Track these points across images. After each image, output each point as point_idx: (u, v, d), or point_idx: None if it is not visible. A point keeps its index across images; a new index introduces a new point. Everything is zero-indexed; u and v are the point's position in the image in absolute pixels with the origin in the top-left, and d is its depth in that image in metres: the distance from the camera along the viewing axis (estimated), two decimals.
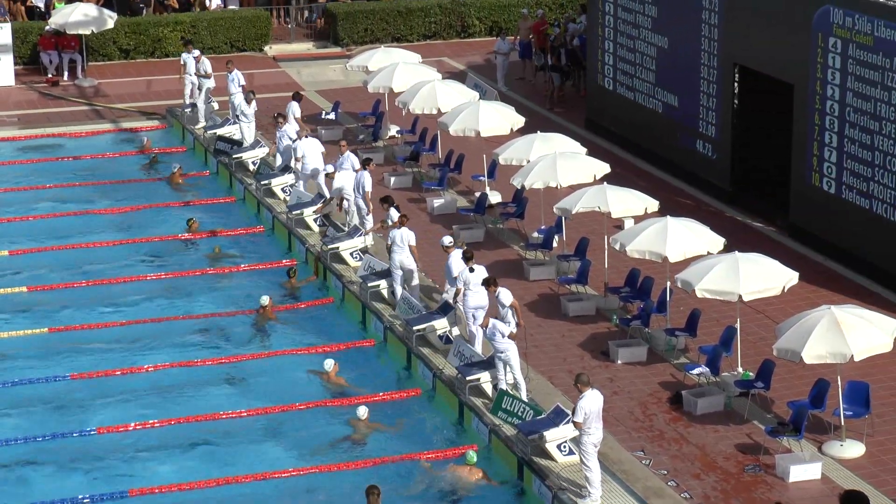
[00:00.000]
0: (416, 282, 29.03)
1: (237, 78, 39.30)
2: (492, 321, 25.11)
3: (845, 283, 30.06)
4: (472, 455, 23.63)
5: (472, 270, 26.91)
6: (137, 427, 25.26)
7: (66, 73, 46.33)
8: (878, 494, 22.41)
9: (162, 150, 40.31)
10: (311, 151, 34.56)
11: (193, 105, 41.13)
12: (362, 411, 25.57)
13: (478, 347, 26.37)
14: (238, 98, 38.76)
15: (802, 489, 22.60)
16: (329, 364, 27.20)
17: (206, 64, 41.16)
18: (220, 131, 39.31)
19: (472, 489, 23.41)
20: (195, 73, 41.04)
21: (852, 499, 11.23)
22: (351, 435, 25.21)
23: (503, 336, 24.90)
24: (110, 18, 45.47)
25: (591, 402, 22.09)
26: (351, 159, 33.11)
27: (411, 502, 23.07)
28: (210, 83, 41.05)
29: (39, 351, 28.35)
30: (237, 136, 38.62)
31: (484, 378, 25.25)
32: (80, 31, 45.18)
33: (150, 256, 33.16)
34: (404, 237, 28.94)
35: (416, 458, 23.94)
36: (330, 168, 33.32)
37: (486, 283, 26.08)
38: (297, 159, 34.83)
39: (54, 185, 37.71)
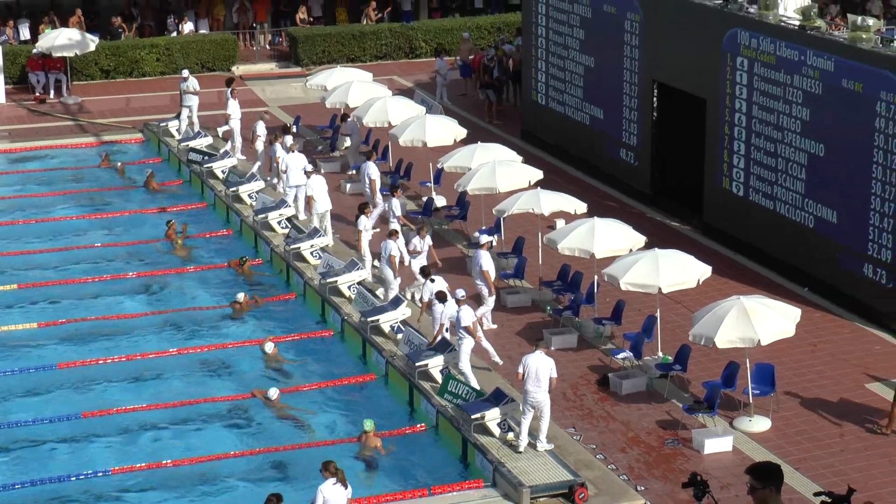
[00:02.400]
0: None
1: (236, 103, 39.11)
2: (462, 307, 24.99)
3: (753, 275, 30.22)
4: (369, 423, 23.57)
5: (433, 281, 26.81)
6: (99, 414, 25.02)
7: (52, 92, 45.98)
8: (783, 464, 22.49)
9: (140, 162, 40.08)
10: (295, 163, 34.28)
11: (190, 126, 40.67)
12: (269, 346, 26.35)
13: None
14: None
15: (716, 460, 22.70)
16: (269, 346, 27.16)
17: (194, 82, 40.95)
18: (192, 143, 39.15)
19: (374, 453, 23.32)
20: (183, 91, 40.81)
21: (762, 469, 11.25)
22: (265, 369, 25.91)
23: (461, 327, 24.87)
24: (92, 42, 45.30)
25: (533, 361, 22.31)
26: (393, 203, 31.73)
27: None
28: (196, 101, 40.81)
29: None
30: (207, 148, 38.61)
31: (431, 364, 25.22)
32: (65, 54, 44.97)
33: (130, 256, 32.93)
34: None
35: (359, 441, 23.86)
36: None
37: (438, 297, 25.90)
38: (283, 171, 34.58)
39: (43, 194, 37.42)
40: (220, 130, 40.13)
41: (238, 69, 48.92)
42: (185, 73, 41.35)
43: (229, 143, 39.34)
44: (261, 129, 37.81)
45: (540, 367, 22.51)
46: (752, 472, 11.23)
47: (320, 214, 32.59)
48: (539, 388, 22.50)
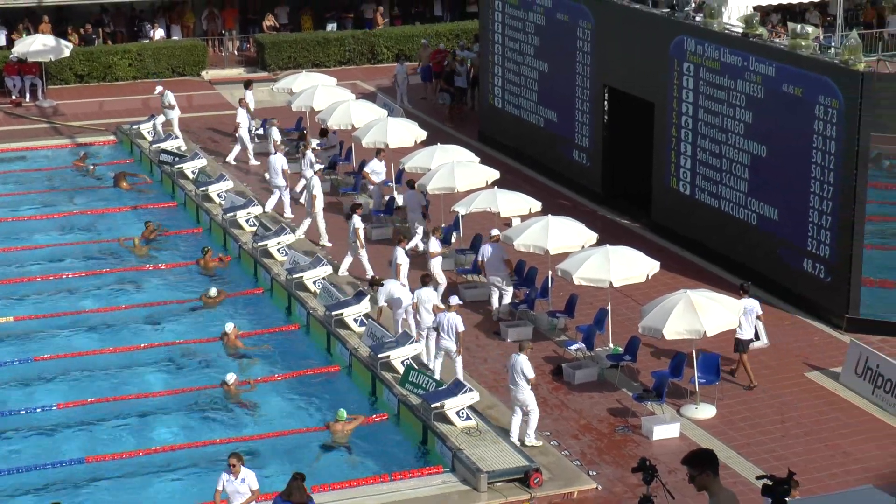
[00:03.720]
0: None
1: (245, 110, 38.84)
2: (425, 290, 24.91)
3: (699, 270, 30.33)
4: (342, 412, 23.58)
5: (381, 285, 26.77)
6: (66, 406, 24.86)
7: (28, 95, 45.67)
8: (727, 449, 22.64)
9: (112, 163, 39.86)
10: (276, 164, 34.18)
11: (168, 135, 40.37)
12: (229, 326, 26.42)
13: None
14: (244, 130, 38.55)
15: (664, 446, 22.77)
16: (229, 327, 27.12)
17: (169, 96, 40.72)
18: (163, 145, 38.99)
19: (346, 440, 23.35)
20: (162, 106, 40.58)
21: (695, 456, 11.31)
22: (224, 353, 26.00)
23: (454, 333, 24.79)
24: (66, 48, 45.03)
25: (513, 361, 22.63)
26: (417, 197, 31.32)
27: (310, 468, 22.78)
28: (176, 113, 40.56)
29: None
30: (175, 149, 38.47)
31: (393, 355, 25.19)
32: (40, 59, 44.73)
33: (103, 252, 32.77)
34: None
35: (325, 429, 23.80)
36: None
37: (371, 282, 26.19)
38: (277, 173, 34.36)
39: (20, 193, 37.15)
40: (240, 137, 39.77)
41: (207, 74, 48.74)
42: (159, 89, 41.13)
43: (235, 151, 39.02)
44: (276, 134, 37.59)
45: (514, 366, 22.61)
46: (688, 462, 11.31)
47: (314, 213, 32.45)
48: (516, 387, 22.61)
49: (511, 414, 22.96)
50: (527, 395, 22.65)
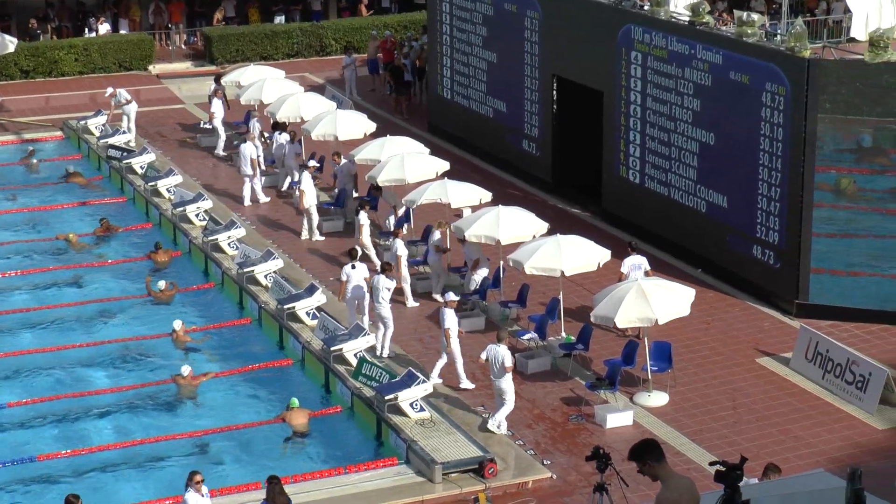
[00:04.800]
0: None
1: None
2: (448, 310, 24.50)
3: (649, 258, 30.30)
4: (294, 401, 23.54)
5: (353, 267, 26.73)
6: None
7: None
8: (680, 435, 22.76)
9: (60, 159, 39.56)
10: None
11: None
12: (177, 324, 26.50)
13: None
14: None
15: (617, 434, 22.83)
16: (177, 324, 27.03)
17: (123, 93, 40.37)
18: (111, 140, 38.73)
19: (304, 428, 23.37)
20: (116, 105, 40.25)
21: (636, 450, 11.36)
22: (177, 351, 25.94)
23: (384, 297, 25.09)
24: (11, 43, 44.39)
25: (492, 351, 22.66)
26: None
27: (266, 457, 22.85)
28: (133, 107, 40.24)
29: None
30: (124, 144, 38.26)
31: (346, 348, 25.13)
32: None
33: (49, 250, 32.53)
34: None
35: (280, 421, 23.72)
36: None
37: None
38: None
39: None
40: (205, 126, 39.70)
41: (154, 68, 48.42)
42: (110, 90, 40.79)
43: (220, 142, 38.87)
44: (256, 126, 37.45)
45: (496, 357, 22.69)
46: (631, 457, 11.38)
47: (307, 208, 32.37)
48: (498, 377, 22.71)
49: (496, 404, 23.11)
50: (506, 384, 22.78)
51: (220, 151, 38.92)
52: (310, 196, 32.04)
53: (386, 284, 25.62)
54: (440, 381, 24.51)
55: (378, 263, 28.52)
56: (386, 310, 25.60)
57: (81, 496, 19.68)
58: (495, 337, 23.27)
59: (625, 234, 31.53)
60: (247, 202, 34.73)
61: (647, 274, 26.41)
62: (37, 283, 30.47)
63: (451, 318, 24.33)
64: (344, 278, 26.63)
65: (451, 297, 24.64)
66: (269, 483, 19.85)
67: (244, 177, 34.83)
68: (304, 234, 32.30)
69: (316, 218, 32.28)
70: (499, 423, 22.90)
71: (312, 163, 33.32)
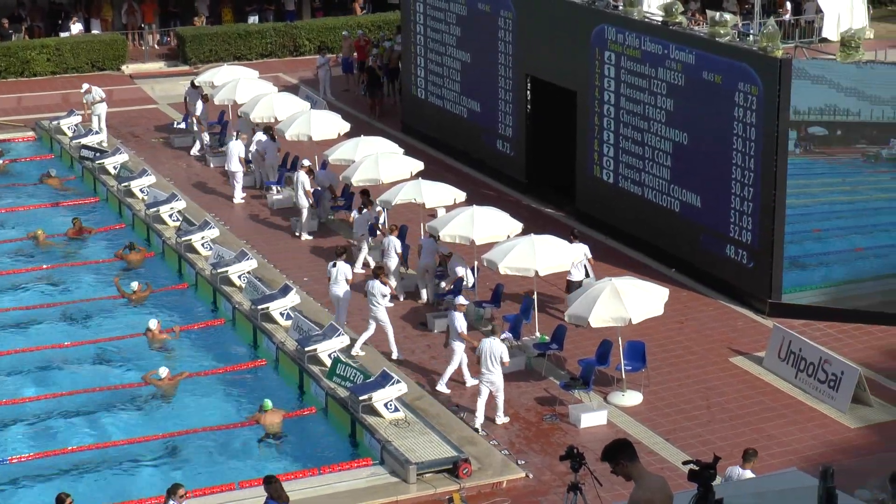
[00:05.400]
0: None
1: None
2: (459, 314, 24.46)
3: (623, 258, 30.49)
4: (268, 402, 23.53)
5: (334, 265, 26.72)
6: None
7: None
8: (654, 435, 22.81)
9: (32, 158, 39.39)
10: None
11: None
12: (153, 323, 26.51)
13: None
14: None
15: (592, 433, 22.86)
16: (153, 323, 27.03)
17: (98, 91, 40.22)
18: (84, 140, 38.60)
19: (281, 430, 23.36)
20: (89, 103, 40.08)
21: (608, 450, 11.38)
22: (152, 351, 25.98)
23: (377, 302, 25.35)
24: None
25: (487, 345, 22.78)
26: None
27: (239, 459, 22.80)
28: (104, 107, 40.09)
29: None
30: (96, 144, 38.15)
31: (320, 349, 25.10)
32: None
33: (23, 250, 32.41)
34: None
35: (254, 423, 23.67)
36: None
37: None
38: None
39: None
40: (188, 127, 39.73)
41: (128, 68, 48.26)
42: (86, 86, 40.66)
43: (197, 144, 38.81)
44: (244, 124, 37.45)
45: (493, 351, 22.78)
46: (604, 458, 11.40)
47: (304, 207, 32.44)
48: (490, 370, 22.83)
49: (478, 396, 23.17)
50: (498, 377, 22.94)
51: (195, 152, 38.85)
52: (304, 197, 32.16)
53: (381, 290, 25.55)
54: (448, 390, 24.55)
55: (393, 285, 27.81)
56: (381, 312, 25.62)
57: (53, 498, 19.59)
58: (490, 330, 23.36)
59: (598, 233, 31.61)
60: (237, 199, 34.82)
61: (588, 262, 27.22)
62: (8, 284, 30.31)
63: (461, 322, 24.28)
64: (329, 276, 26.69)
65: (461, 301, 24.71)
66: (268, 482, 19.66)
67: (231, 173, 34.99)
68: (304, 236, 32.34)
69: (306, 216, 32.42)
70: (502, 413, 23.28)
71: (306, 162, 33.26)
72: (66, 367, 26.18)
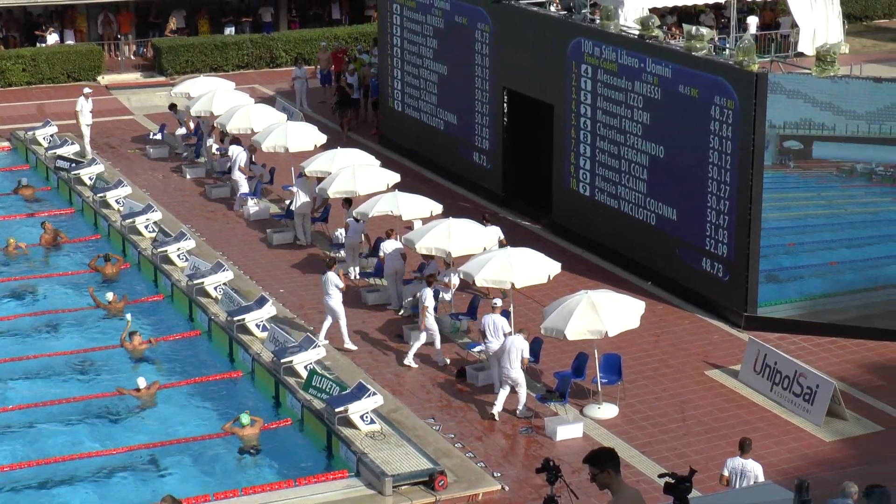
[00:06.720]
0: None
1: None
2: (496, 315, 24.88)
3: (600, 271, 30.55)
4: (245, 416, 23.51)
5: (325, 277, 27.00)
6: None
7: None
8: (630, 448, 22.83)
9: (7, 169, 39.25)
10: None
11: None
12: (110, 295, 27.27)
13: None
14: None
15: (567, 446, 22.88)
16: (110, 295, 27.24)
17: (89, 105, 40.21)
18: (59, 151, 38.49)
19: (258, 442, 23.36)
20: (87, 110, 39.94)
21: (596, 455, 11.38)
22: (132, 361, 26.08)
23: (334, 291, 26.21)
24: None
25: (509, 341, 23.85)
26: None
27: (213, 470, 22.75)
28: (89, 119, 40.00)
29: None
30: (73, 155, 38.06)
31: (296, 360, 25.07)
32: None
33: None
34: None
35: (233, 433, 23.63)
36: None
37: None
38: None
39: None
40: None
41: (104, 78, 48.14)
42: (87, 90, 40.43)
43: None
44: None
45: (514, 348, 23.59)
46: (589, 460, 11.39)
47: (301, 215, 32.45)
48: (511, 366, 23.65)
49: (499, 389, 24.05)
50: (519, 373, 23.73)
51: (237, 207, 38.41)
52: (304, 204, 32.43)
53: (335, 282, 26.55)
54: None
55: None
56: (335, 301, 26.59)
57: None
58: (516, 329, 24.40)
59: (575, 246, 31.65)
60: (238, 207, 35.03)
61: (501, 244, 27.69)
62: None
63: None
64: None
65: (498, 303, 25.24)
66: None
67: (231, 180, 35.61)
68: (302, 241, 32.57)
69: (307, 223, 32.80)
70: (523, 407, 23.96)
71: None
72: (42, 377, 26.07)
